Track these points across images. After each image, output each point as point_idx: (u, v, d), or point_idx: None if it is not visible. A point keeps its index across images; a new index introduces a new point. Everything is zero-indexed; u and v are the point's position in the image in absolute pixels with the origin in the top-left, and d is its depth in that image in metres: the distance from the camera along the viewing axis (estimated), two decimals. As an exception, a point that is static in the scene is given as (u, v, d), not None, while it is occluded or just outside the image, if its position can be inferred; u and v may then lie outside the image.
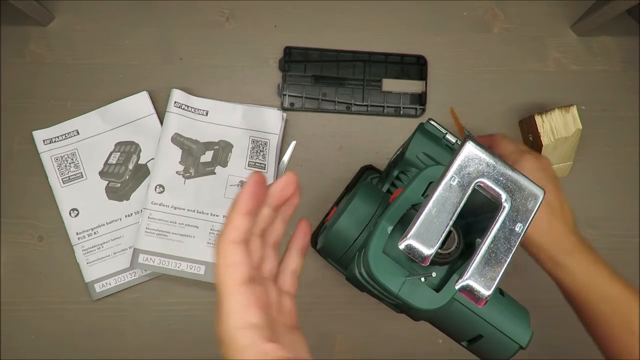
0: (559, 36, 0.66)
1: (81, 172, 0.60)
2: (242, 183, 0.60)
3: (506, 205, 0.27)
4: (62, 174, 0.60)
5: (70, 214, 0.59)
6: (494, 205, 0.27)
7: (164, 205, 0.58)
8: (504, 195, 0.27)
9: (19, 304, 0.59)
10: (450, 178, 0.26)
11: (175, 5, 0.64)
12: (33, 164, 0.60)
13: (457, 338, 0.38)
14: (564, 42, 0.66)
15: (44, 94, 0.62)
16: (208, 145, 0.61)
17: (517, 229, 0.27)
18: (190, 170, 0.60)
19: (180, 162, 0.60)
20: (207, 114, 0.61)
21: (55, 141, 0.60)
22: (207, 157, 0.60)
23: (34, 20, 0.61)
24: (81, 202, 0.59)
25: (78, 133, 0.61)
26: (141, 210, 0.59)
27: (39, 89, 0.62)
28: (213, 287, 0.58)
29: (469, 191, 0.27)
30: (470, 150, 0.27)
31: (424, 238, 0.26)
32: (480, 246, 0.27)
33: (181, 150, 0.60)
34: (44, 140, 0.60)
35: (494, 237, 0.27)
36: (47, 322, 0.59)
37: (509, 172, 0.27)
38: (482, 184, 0.27)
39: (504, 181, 0.27)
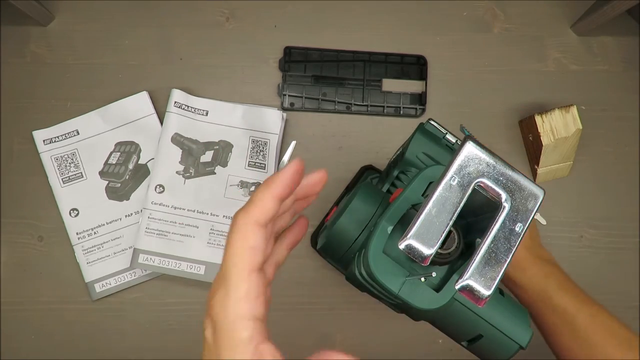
0: (559, 36, 0.66)
1: (81, 172, 0.60)
2: (242, 183, 0.60)
3: (506, 205, 0.27)
4: (62, 174, 0.60)
5: (70, 214, 0.59)
6: (494, 205, 0.27)
7: (164, 205, 0.58)
8: (504, 195, 0.27)
9: (19, 304, 0.59)
10: (451, 178, 0.26)
11: (175, 5, 0.64)
12: (33, 164, 0.60)
13: (457, 338, 0.38)
14: (564, 42, 0.66)
15: (44, 94, 0.62)
16: (208, 145, 0.61)
17: (517, 228, 0.27)
18: (190, 170, 0.60)
19: (180, 162, 0.60)
20: (207, 114, 0.61)
21: (55, 141, 0.60)
22: (207, 157, 0.60)
23: (34, 20, 0.61)
24: (81, 202, 0.59)
25: (78, 133, 0.61)
26: (141, 210, 0.59)
27: (39, 89, 0.62)
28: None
29: (469, 191, 0.27)
30: (470, 150, 0.27)
31: (424, 238, 0.26)
32: (480, 246, 0.27)
33: (181, 150, 0.60)
34: (44, 140, 0.60)
35: (494, 237, 0.27)
36: (47, 322, 0.59)
37: (509, 172, 0.27)
38: (482, 184, 0.27)
39: (504, 181, 0.27)
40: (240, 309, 0.22)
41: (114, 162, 0.60)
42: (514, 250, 0.27)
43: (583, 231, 0.63)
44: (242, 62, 0.64)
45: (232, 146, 0.61)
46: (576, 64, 0.66)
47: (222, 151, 0.61)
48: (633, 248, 0.63)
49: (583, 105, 0.64)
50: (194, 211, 0.59)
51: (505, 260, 0.27)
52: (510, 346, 0.36)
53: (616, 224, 0.63)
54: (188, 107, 0.61)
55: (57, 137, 0.60)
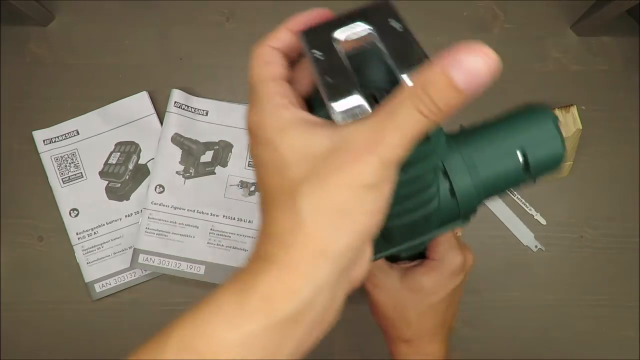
0: (559, 36, 0.66)
1: (81, 172, 0.60)
2: (242, 183, 0.60)
3: (375, 35, 0.23)
4: (62, 174, 0.60)
5: (70, 214, 0.59)
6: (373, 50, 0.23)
7: (164, 205, 0.58)
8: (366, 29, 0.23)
9: (19, 304, 0.59)
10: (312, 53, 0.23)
11: (175, 5, 0.64)
12: (33, 164, 0.60)
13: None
14: (564, 42, 0.66)
15: (44, 94, 0.62)
16: (208, 145, 0.61)
17: (395, 26, 0.23)
18: (190, 170, 0.60)
19: (180, 162, 0.60)
20: (207, 114, 0.61)
21: (55, 141, 0.60)
22: (207, 157, 0.60)
23: (34, 20, 0.61)
24: (81, 202, 0.59)
25: (78, 133, 0.61)
26: (141, 210, 0.59)
27: (39, 89, 0.62)
28: (213, 287, 0.58)
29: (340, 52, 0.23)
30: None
31: (341, 91, 0.21)
32: (394, 69, 0.22)
33: (181, 150, 0.60)
34: (44, 140, 0.60)
35: (392, 58, 0.22)
36: (47, 322, 0.59)
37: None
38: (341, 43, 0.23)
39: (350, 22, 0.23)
40: (274, 108, 0.22)
41: (114, 162, 0.60)
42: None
43: (583, 231, 0.63)
44: (242, 62, 0.64)
45: (232, 146, 0.61)
46: (576, 64, 0.66)
47: (222, 151, 0.61)
48: (633, 248, 0.63)
49: (583, 105, 0.64)
50: (194, 211, 0.59)
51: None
52: (555, 158, 0.32)
53: (616, 224, 0.63)
54: (188, 107, 0.61)
55: (57, 137, 0.60)
